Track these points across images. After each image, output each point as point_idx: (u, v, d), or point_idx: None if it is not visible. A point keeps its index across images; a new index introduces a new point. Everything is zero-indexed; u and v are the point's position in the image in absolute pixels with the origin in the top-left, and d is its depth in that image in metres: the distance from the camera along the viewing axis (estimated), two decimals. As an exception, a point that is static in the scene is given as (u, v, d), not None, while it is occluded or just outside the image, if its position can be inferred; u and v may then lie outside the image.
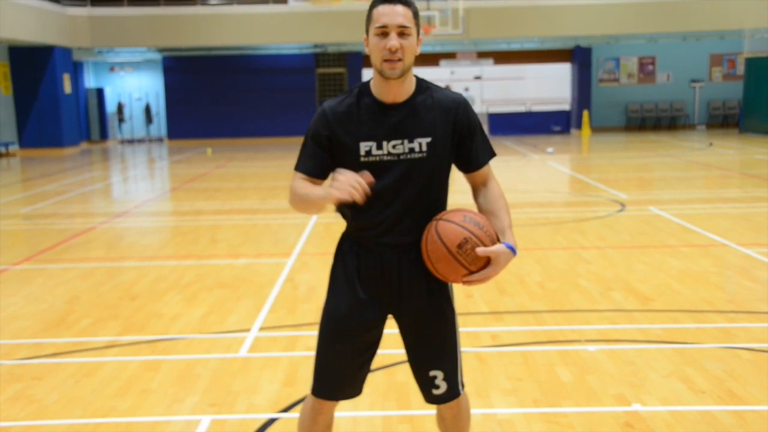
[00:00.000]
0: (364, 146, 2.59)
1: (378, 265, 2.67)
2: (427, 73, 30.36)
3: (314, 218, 10.07)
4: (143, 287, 6.75)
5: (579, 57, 27.61)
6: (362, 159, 2.59)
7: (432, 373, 2.74)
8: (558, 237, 8.54)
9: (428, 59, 27.73)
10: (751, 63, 24.68)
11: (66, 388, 4.41)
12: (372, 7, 2.56)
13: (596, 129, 27.42)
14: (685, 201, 10.86)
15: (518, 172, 16.18)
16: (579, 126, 26.93)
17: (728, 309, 5.66)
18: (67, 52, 23.40)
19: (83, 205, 12.47)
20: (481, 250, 2.52)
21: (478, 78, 32.33)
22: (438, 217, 2.62)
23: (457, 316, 2.80)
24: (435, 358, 2.73)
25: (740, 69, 27.17)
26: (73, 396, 4.30)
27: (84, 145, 26.25)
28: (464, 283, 2.57)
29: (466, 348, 4.89)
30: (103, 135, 28.77)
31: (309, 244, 8.42)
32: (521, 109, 29.10)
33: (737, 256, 7.40)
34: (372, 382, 4.37)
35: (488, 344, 5.01)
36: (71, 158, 21.94)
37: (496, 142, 24.10)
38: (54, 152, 22.68)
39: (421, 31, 2.64)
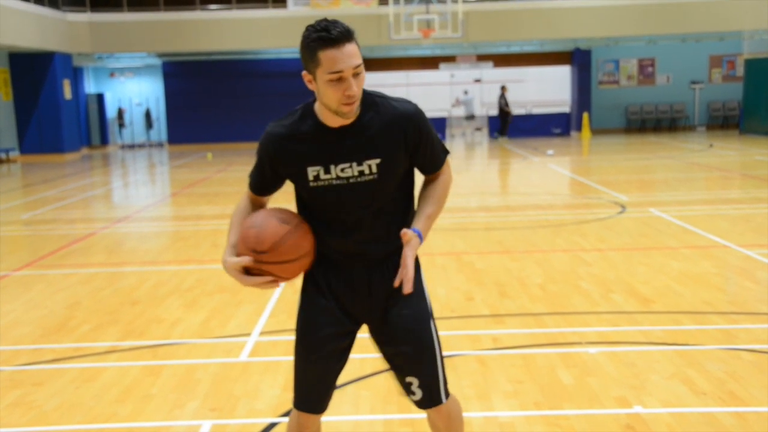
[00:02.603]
0: (311, 171, 2.52)
1: (349, 280, 2.64)
2: (427, 76, 30.47)
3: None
4: (144, 292, 6.74)
5: (578, 59, 27.62)
6: (311, 184, 2.54)
7: (408, 379, 2.68)
8: (558, 239, 8.53)
9: (428, 63, 27.76)
10: (751, 64, 24.69)
11: (66, 394, 4.40)
12: (315, 48, 2.35)
13: (596, 131, 27.42)
14: (686, 202, 10.85)
15: (519, 175, 16.19)
16: (579, 128, 26.93)
17: (729, 310, 5.65)
18: (67, 57, 23.43)
19: (84, 210, 12.48)
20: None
21: (477, 81, 32.34)
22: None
23: (435, 321, 2.73)
24: (410, 365, 2.66)
25: (740, 70, 27.18)
26: (73, 402, 4.29)
27: (84, 151, 26.27)
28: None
29: (467, 351, 4.89)
30: (104, 140, 28.79)
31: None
32: (521, 111, 29.11)
33: (738, 257, 7.39)
34: (373, 385, 4.37)
35: (489, 347, 5.00)
36: (72, 164, 21.95)
37: (497, 145, 24.10)
38: (54, 158, 22.69)
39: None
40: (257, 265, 2.52)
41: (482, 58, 27.99)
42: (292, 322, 5.68)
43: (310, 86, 2.46)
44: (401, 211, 2.65)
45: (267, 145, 2.60)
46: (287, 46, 24.42)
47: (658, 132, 27.64)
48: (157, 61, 27.56)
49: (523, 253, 7.80)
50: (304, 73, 2.46)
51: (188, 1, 24.51)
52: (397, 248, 2.62)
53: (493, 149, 22.71)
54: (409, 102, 2.58)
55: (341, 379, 2.88)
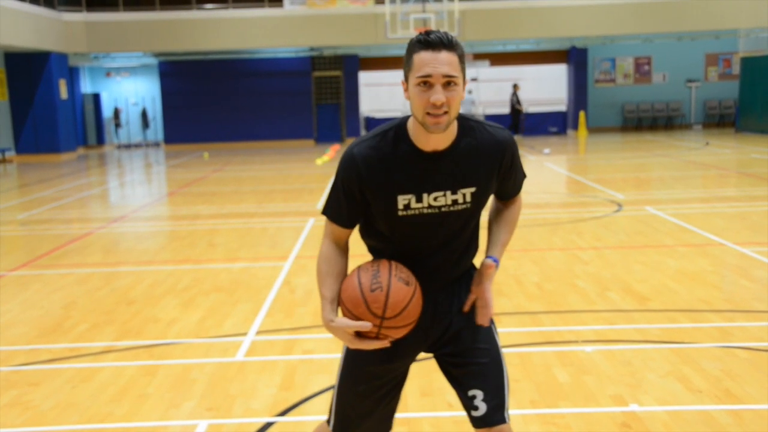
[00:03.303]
0: (402, 199, 2.36)
1: None
2: (424, 76, 30.34)
3: (311, 221, 10.07)
4: (140, 292, 6.74)
5: (575, 58, 27.64)
6: (400, 213, 2.38)
7: (471, 392, 2.50)
8: (555, 238, 8.54)
9: (424, 61, 27.70)
10: (747, 62, 24.72)
11: (62, 394, 4.40)
12: (412, 51, 2.28)
13: (593, 130, 27.44)
14: (682, 201, 10.87)
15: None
16: (575, 127, 26.96)
17: (725, 308, 5.66)
18: (63, 57, 23.39)
19: (80, 210, 12.46)
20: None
21: (474, 80, 32.33)
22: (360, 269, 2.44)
23: (500, 340, 2.62)
24: (478, 378, 2.51)
25: (736, 68, 27.21)
26: (69, 402, 4.29)
27: (81, 151, 26.23)
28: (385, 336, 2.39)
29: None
30: (100, 140, 28.74)
31: (306, 248, 8.41)
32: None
33: (734, 255, 7.40)
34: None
35: (485, 346, 4.99)
36: (68, 164, 21.93)
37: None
38: (51, 158, 22.65)
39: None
40: (376, 329, 2.33)
41: (478, 56, 27.97)
42: (288, 322, 5.70)
43: (406, 95, 2.34)
44: (473, 235, 2.56)
45: (354, 168, 2.37)
46: (283, 45, 24.40)
47: (654, 130, 27.67)
48: (154, 61, 27.53)
49: (519, 252, 7.81)
50: (402, 81, 2.36)
51: (184, 0, 24.47)
52: (464, 270, 2.56)
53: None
54: (503, 129, 2.50)
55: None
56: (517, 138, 25.50)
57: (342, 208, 2.45)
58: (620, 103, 28.23)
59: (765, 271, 6.71)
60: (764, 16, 22.87)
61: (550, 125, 27.33)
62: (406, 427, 3.83)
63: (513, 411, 3.96)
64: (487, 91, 30.78)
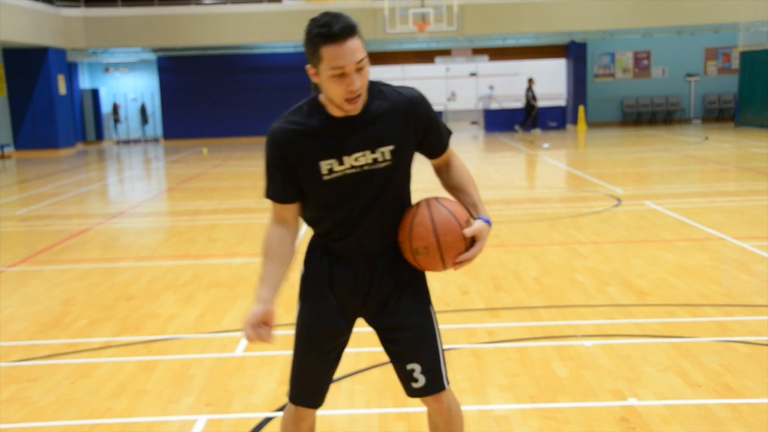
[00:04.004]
0: (325, 165, 2.49)
1: (351, 273, 2.63)
2: (423, 70, 30.46)
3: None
4: (139, 288, 6.74)
5: (574, 52, 27.61)
6: (325, 177, 2.50)
7: (409, 366, 2.66)
8: (554, 232, 8.54)
9: (423, 56, 27.71)
10: (746, 57, 24.70)
11: (62, 390, 4.40)
12: (317, 44, 2.35)
13: (592, 124, 27.42)
14: (681, 195, 10.87)
15: (514, 168, 16.19)
16: (575, 121, 26.94)
17: (724, 303, 5.66)
18: (61, 53, 23.37)
19: (79, 206, 12.45)
20: (468, 231, 2.54)
21: (473, 74, 32.32)
22: (430, 198, 2.61)
23: (434, 308, 2.74)
24: (411, 352, 2.65)
25: (735, 63, 27.21)
26: (69, 397, 4.29)
27: (80, 146, 26.22)
28: (455, 265, 2.56)
29: (462, 345, 4.89)
30: (99, 136, 28.73)
31: (305, 243, 8.40)
32: (517, 105, 29.08)
33: (733, 249, 7.40)
34: (368, 380, 4.37)
35: (484, 340, 5.00)
36: (67, 159, 21.91)
37: (493, 139, 24.10)
38: (49, 154, 22.64)
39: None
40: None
41: (478, 51, 27.96)
42: (287, 317, 5.69)
43: (315, 79, 2.44)
44: (403, 203, 2.65)
45: (276, 144, 2.51)
46: (282, 40, 24.37)
47: (653, 125, 27.65)
48: (152, 56, 27.50)
49: (518, 247, 7.81)
50: (308, 66, 2.45)
51: (183, -5, 24.44)
52: (396, 240, 2.64)
53: (490, 143, 22.70)
54: (412, 88, 2.61)
55: (337, 373, 2.87)
56: (529, 132, 25.59)
57: (277, 185, 2.56)
58: (619, 98, 28.22)
59: (764, 265, 6.72)
60: (763, 10, 22.86)
61: (549, 120, 27.31)
62: (405, 422, 3.83)
63: (512, 406, 3.97)
64: (486, 86, 30.78)
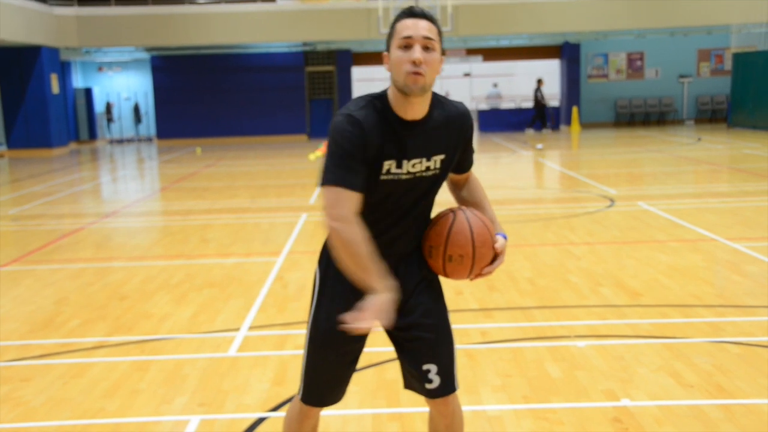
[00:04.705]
0: (386, 165, 2.50)
1: None
2: (417, 71, 30.38)
3: (304, 217, 10.06)
4: (132, 287, 6.72)
5: (568, 53, 27.65)
6: (382, 177, 2.51)
7: (425, 366, 2.68)
8: (547, 233, 8.55)
9: (417, 56, 27.67)
10: (739, 58, 24.77)
11: (54, 390, 4.39)
12: (396, 21, 2.51)
13: (585, 125, 27.47)
14: (674, 196, 10.90)
15: (508, 169, 16.21)
16: (568, 122, 26.97)
17: (717, 303, 5.68)
18: (54, 52, 23.28)
19: (72, 205, 12.42)
20: (498, 246, 2.65)
21: (467, 75, 32.33)
22: (463, 207, 2.69)
23: (448, 312, 2.78)
24: (430, 352, 2.68)
25: (728, 64, 27.27)
26: (61, 397, 4.28)
27: (72, 146, 26.13)
28: (477, 276, 2.64)
29: (455, 345, 4.89)
30: (92, 135, 28.64)
31: (298, 243, 8.41)
32: (511, 105, 29.11)
33: (726, 250, 7.43)
34: (361, 380, 4.37)
35: (477, 341, 5.01)
36: (60, 159, 21.84)
37: (486, 139, 24.12)
38: (42, 153, 22.56)
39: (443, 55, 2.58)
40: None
41: (471, 52, 27.97)
42: (281, 317, 5.69)
43: (387, 67, 2.51)
44: (431, 208, 2.72)
45: (360, 129, 2.44)
46: (276, 40, 24.35)
47: (646, 126, 27.72)
48: (146, 56, 27.43)
49: (511, 247, 7.81)
50: (384, 54, 2.54)
51: (176, -6, 24.39)
52: (418, 244, 2.69)
53: (483, 143, 22.71)
54: (462, 103, 2.70)
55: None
56: (544, 132, 25.65)
57: (353, 170, 2.44)
58: (613, 99, 28.26)
59: (756, 266, 6.74)
60: (756, 12, 22.94)
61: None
62: (398, 423, 3.84)
63: (505, 406, 3.98)
64: (480, 87, 30.81)
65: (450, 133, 2.60)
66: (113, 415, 4.03)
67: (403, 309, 2.67)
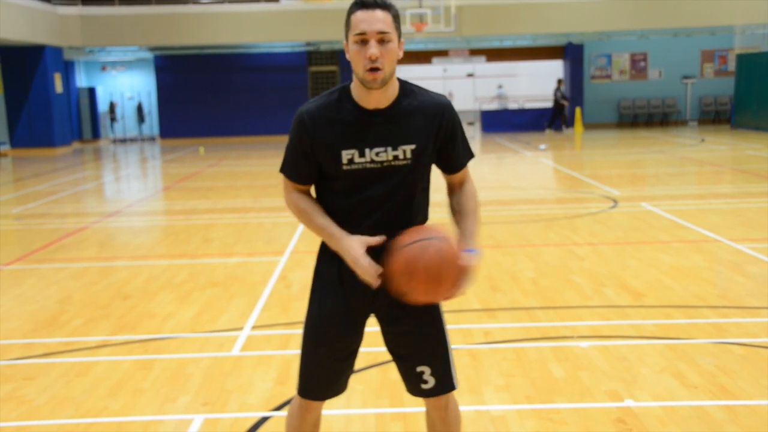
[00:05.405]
0: (346, 154, 2.52)
1: None
2: (419, 71, 30.42)
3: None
4: (135, 287, 6.73)
5: (571, 54, 27.63)
6: (344, 167, 2.53)
7: (419, 368, 2.69)
8: (550, 233, 8.55)
9: (420, 57, 27.71)
10: (742, 59, 24.74)
11: (58, 388, 4.40)
12: (350, 13, 2.48)
13: (588, 126, 27.44)
14: (677, 197, 10.89)
15: (511, 169, 16.20)
16: (572, 123, 26.95)
17: (720, 304, 5.67)
18: (58, 51, 23.32)
19: (75, 204, 12.44)
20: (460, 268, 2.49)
21: (470, 75, 32.33)
22: (434, 236, 2.48)
23: (443, 312, 2.76)
24: (422, 354, 2.69)
25: (731, 65, 27.24)
26: (64, 396, 4.28)
27: (76, 145, 26.17)
28: (446, 298, 2.51)
29: (458, 345, 4.89)
30: (95, 134, 28.69)
31: (302, 243, 8.41)
32: (514, 106, 29.09)
33: (729, 251, 7.42)
34: (365, 380, 4.38)
35: (481, 341, 5.01)
36: (63, 158, 21.87)
37: (489, 140, 24.12)
38: (46, 152, 22.60)
39: (411, 29, 2.55)
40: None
41: (475, 52, 27.97)
42: (284, 317, 5.70)
43: (348, 57, 2.51)
44: (421, 204, 2.67)
45: (302, 126, 2.55)
46: (280, 40, 24.36)
47: (649, 126, 27.69)
48: (149, 55, 27.46)
49: (514, 248, 7.81)
50: (344, 42, 2.54)
51: (180, -6, 24.42)
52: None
53: (486, 143, 22.71)
54: (443, 95, 2.66)
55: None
56: (556, 132, 25.66)
57: (297, 166, 2.62)
58: (616, 99, 28.24)
59: (759, 267, 6.73)
60: (759, 12, 22.92)
61: (547, 121, 27.31)
62: (402, 423, 3.84)
63: (508, 406, 3.98)
64: (483, 87, 30.80)
65: (421, 123, 2.56)
66: (116, 414, 4.03)
67: (394, 311, 2.65)
